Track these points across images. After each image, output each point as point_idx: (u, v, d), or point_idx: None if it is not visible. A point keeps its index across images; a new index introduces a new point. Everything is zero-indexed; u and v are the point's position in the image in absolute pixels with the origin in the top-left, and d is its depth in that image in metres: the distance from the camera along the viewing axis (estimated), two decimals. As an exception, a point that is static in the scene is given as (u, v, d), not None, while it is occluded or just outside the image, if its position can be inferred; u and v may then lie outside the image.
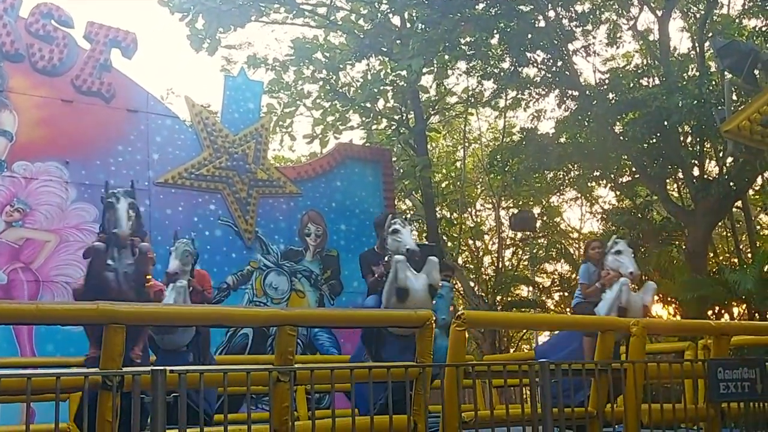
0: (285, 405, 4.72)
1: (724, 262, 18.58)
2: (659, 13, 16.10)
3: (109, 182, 6.59)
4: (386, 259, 6.60)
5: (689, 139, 15.86)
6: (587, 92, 15.87)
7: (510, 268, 22.81)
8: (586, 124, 16.09)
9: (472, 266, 22.80)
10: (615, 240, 7.62)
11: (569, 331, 7.29)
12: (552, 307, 20.80)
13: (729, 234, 20.33)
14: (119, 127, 10.89)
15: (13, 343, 9.42)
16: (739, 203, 17.74)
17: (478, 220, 24.00)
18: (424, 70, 15.63)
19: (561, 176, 18.36)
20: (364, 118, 18.20)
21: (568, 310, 15.22)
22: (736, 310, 14.36)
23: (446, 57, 16.13)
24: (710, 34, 15.19)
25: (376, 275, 6.66)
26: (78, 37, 10.87)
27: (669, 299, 14.78)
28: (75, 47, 10.79)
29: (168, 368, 4.04)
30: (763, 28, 15.18)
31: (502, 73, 16.66)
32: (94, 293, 5.50)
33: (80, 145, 10.49)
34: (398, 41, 15.33)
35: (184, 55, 46.54)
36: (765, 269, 12.83)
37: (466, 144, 22.74)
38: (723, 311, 13.88)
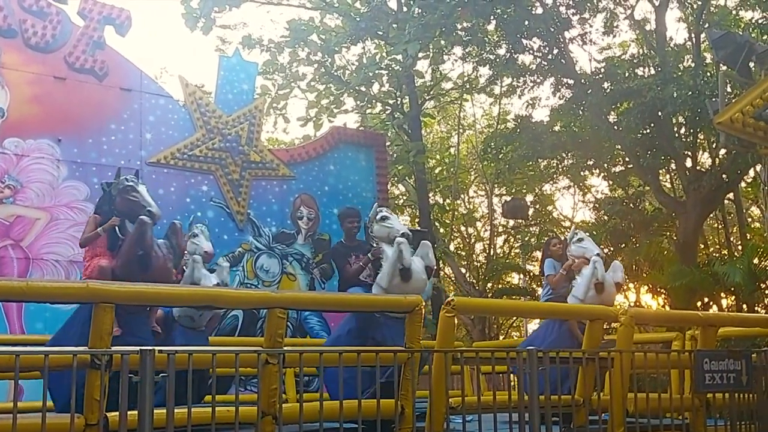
0: (273, 387, 4.73)
1: (715, 254, 18.67)
2: (656, 3, 16.08)
3: (120, 168, 6.52)
4: (374, 245, 6.60)
5: (683, 130, 15.89)
6: (582, 81, 15.86)
7: (501, 255, 22.87)
8: (581, 112, 16.10)
9: (463, 253, 22.86)
10: (574, 231, 7.81)
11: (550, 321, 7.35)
12: (542, 295, 20.85)
13: (720, 226, 20.42)
14: (112, 105, 10.80)
15: (2, 321, 9.41)
16: (730, 195, 17.81)
17: (471, 207, 24.05)
18: (420, 54, 15.58)
19: (554, 164, 18.40)
20: (358, 102, 18.15)
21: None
22: (724, 302, 14.42)
23: (442, 42, 16.07)
24: (706, 25, 15.17)
25: (360, 264, 6.67)
26: (72, 14, 10.74)
27: (658, 290, 14.85)
28: (68, 23, 10.68)
29: (157, 348, 4.04)
30: (760, 20, 15.18)
31: (497, 60, 16.62)
32: (141, 269, 5.74)
33: (73, 123, 10.41)
34: (394, 25, 15.26)
35: (179, 35, 46.19)
36: (754, 262, 12.89)
37: (461, 130, 22.74)
38: (711, 303, 13.94)
